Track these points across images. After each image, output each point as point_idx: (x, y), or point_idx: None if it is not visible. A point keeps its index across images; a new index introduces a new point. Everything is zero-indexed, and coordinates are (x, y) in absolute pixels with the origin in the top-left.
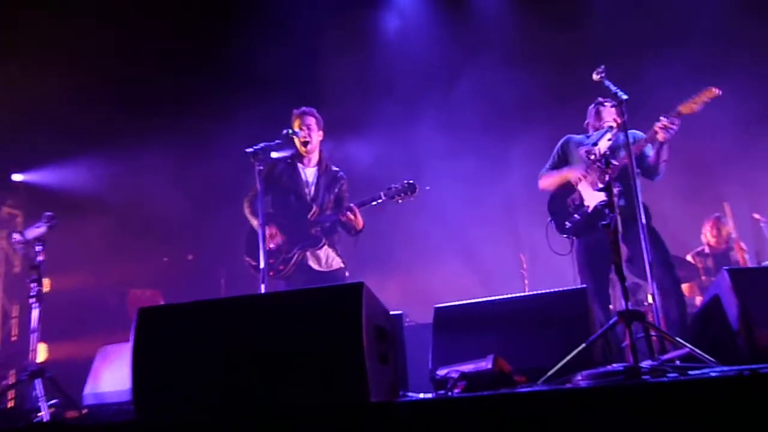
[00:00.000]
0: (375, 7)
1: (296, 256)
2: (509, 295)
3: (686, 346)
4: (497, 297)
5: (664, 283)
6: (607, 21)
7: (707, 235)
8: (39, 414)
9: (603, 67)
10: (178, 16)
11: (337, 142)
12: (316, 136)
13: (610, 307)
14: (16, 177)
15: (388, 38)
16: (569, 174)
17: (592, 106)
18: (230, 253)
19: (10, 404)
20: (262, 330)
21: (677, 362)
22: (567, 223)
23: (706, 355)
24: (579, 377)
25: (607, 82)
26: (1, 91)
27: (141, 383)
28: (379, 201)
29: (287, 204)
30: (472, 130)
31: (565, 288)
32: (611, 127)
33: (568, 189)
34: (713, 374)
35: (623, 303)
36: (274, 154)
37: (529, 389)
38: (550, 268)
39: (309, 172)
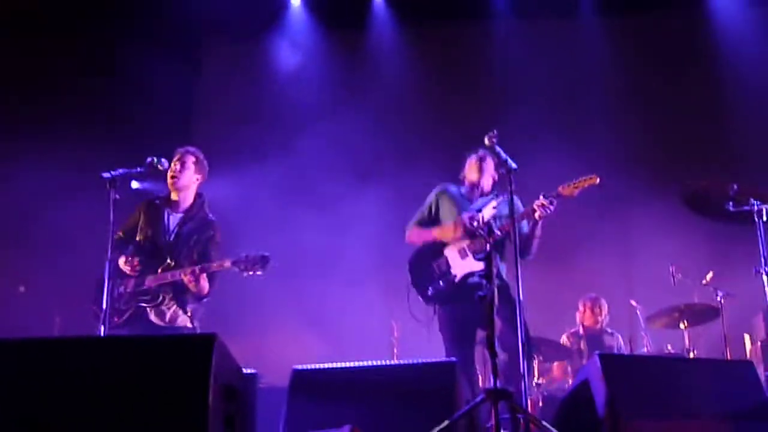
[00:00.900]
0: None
1: (132, 309)
2: (373, 363)
3: (551, 431)
4: (360, 364)
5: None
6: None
7: (583, 315)
8: None
9: (495, 131)
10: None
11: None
12: (190, 176)
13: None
14: None
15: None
16: (444, 235)
17: (474, 157)
18: (67, 291)
19: None
20: (92, 377)
21: None
22: (430, 289)
23: None
24: None
25: (498, 148)
26: None
27: None
28: (225, 267)
29: (141, 251)
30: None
31: (432, 360)
32: (497, 195)
33: (434, 252)
34: None
35: (491, 380)
36: (134, 184)
37: None
38: (424, 337)
39: (173, 218)
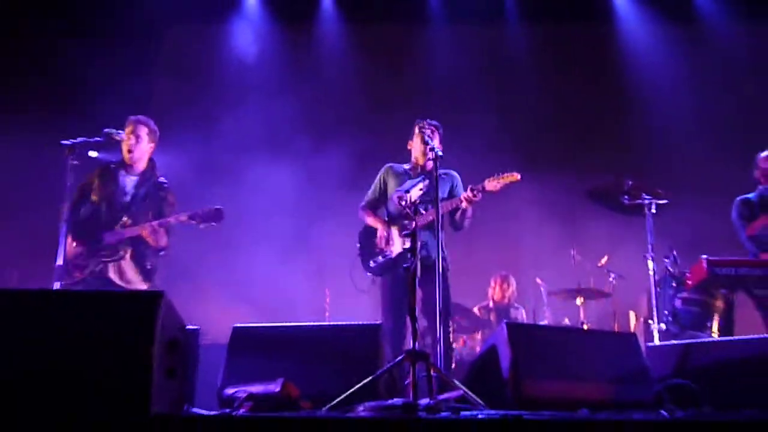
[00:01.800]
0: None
1: (94, 266)
2: (306, 323)
3: (461, 389)
4: (295, 323)
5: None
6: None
7: (494, 290)
8: None
9: (425, 122)
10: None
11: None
12: (145, 146)
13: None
14: None
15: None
16: (376, 226)
17: (417, 133)
18: (27, 249)
19: None
20: (44, 328)
21: (452, 402)
22: (372, 261)
23: (477, 399)
24: (361, 408)
25: (427, 137)
26: None
27: None
28: (181, 221)
29: (97, 212)
30: (289, 151)
31: (359, 322)
32: (425, 178)
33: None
34: (481, 416)
35: (411, 342)
36: (92, 153)
37: (310, 415)
38: (356, 304)
39: (129, 181)
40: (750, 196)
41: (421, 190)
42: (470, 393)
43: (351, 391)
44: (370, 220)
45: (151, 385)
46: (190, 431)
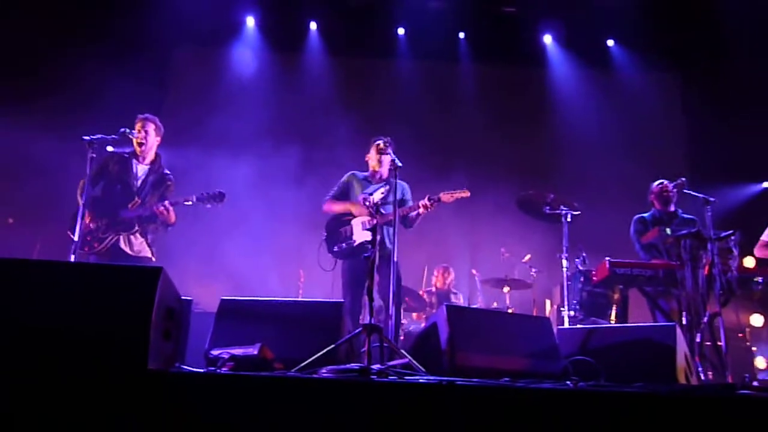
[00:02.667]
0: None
1: (110, 237)
2: (282, 299)
3: (407, 357)
4: (273, 298)
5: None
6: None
7: (437, 278)
8: None
9: (389, 138)
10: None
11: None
12: (153, 140)
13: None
14: None
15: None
16: (352, 209)
17: (374, 147)
18: (48, 223)
19: None
20: (59, 294)
21: (399, 368)
22: (336, 246)
23: (419, 366)
24: (324, 370)
25: (389, 151)
26: None
27: None
28: (190, 203)
29: (113, 191)
30: (277, 154)
31: (326, 300)
32: (386, 184)
33: (344, 220)
34: (422, 380)
35: (368, 318)
36: (109, 148)
37: (282, 374)
38: (323, 283)
39: (140, 169)
40: (645, 215)
41: (382, 193)
42: (414, 361)
43: (316, 356)
44: (338, 206)
45: (149, 345)
46: (180, 385)
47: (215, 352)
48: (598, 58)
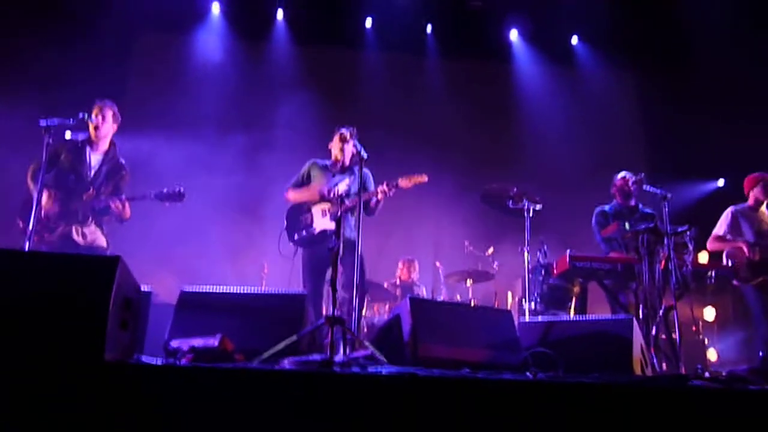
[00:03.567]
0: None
1: (62, 227)
2: (244, 290)
3: (370, 348)
4: (234, 289)
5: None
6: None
7: (401, 270)
8: None
9: (355, 129)
10: None
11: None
12: (109, 127)
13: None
14: None
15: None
16: (305, 195)
17: (337, 136)
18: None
19: None
20: (11, 283)
21: (361, 360)
22: (296, 234)
23: (382, 357)
24: (286, 361)
25: (355, 141)
26: None
27: None
28: (149, 199)
29: (66, 181)
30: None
31: (289, 291)
32: (351, 174)
33: (304, 208)
34: (384, 371)
35: (331, 309)
36: (67, 134)
37: (243, 365)
38: (286, 274)
39: (95, 158)
40: (606, 207)
41: (347, 185)
42: (377, 352)
43: (277, 347)
44: (299, 194)
45: (105, 336)
46: (138, 376)
47: (174, 344)
48: (563, 55)
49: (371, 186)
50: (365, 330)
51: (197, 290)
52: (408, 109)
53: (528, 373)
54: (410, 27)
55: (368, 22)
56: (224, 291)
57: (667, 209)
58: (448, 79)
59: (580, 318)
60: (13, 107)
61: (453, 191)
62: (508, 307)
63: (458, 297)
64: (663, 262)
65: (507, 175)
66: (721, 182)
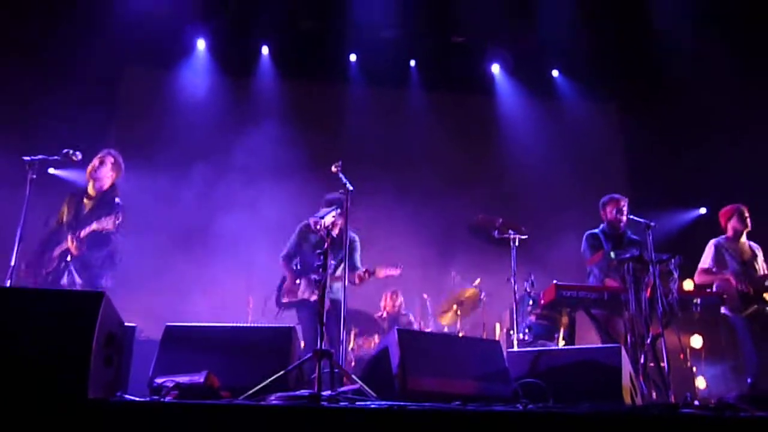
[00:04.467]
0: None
1: (55, 264)
2: (230, 325)
3: (358, 383)
4: (220, 324)
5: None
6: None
7: (386, 302)
8: None
9: (340, 162)
10: None
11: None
12: (107, 172)
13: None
14: None
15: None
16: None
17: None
18: None
19: None
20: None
21: (349, 394)
22: (284, 298)
23: (370, 391)
24: (272, 397)
25: (341, 174)
26: None
27: None
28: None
29: (57, 233)
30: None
31: (275, 325)
32: (337, 208)
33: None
34: (373, 406)
35: (319, 343)
36: (51, 170)
37: (228, 402)
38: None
39: (87, 203)
40: (596, 231)
41: (333, 217)
42: (365, 386)
43: (264, 383)
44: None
45: (89, 373)
46: (122, 414)
47: (159, 380)
48: (544, 87)
49: (357, 256)
50: (353, 363)
51: (182, 325)
52: (393, 143)
53: (518, 405)
54: (394, 62)
55: (353, 57)
56: (209, 325)
57: (651, 238)
58: (432, 112)
59: (569, 348)
60: None
61: (439, 222)
62: (497, 338)
63: (446, 328)
64: (649, 291)
65: (493, 205)
66: (703, 210)
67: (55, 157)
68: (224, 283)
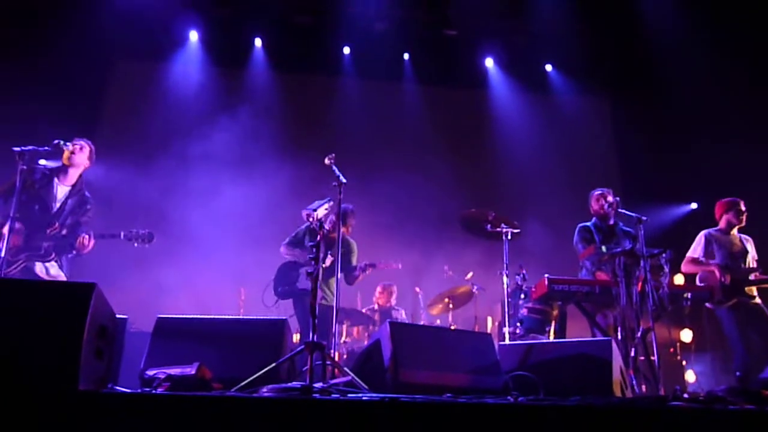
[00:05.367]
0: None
1: (23, 262)
2: (221, 316)
3: (350, 375)
4: (212, 316)
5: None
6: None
7: (379, 296)
8: None
9: (333, 155)
10: None
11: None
12: (84, 158)
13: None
14: None
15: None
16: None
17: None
18: None
19: None
20: None
21: (341, 386)
22: (280, 288)
23: (362, 383)
24: (264, 389)
25: (334, 167)
26: None
27: None
28: (118, 238)
29: (30, 211)
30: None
31: (267, 317)
32: (330, 200)
33: (293, 267)
34: (365, 398)
35: (310, 335)
36: (42, 161)
37: (220, 394)
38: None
39: (62, 190)
40: (588, 224)
41: (326, 209)
42: (357, 378)
43: (256, 375)
44: (291, 252)
45: (79, 365)
46: (113, 406)
47: (151, 372)
48: (537, 82)
49: (354, 259)
50: (345, 356)
51: (174, 317)
52: (385, 135)
53: (509, 397)
54: (388, 55)
55: (346, 50)
56: (201, 317)
57: (642, 232)
58: (425, 105)
59: (560, 341)
60: None
61: (431, 217)
62: (488, 331)
63: (438, 321)
64: (640, 285)
65: (485, 199)
66: (694, 205)
67: (46, 148)
68: (215, 275)
